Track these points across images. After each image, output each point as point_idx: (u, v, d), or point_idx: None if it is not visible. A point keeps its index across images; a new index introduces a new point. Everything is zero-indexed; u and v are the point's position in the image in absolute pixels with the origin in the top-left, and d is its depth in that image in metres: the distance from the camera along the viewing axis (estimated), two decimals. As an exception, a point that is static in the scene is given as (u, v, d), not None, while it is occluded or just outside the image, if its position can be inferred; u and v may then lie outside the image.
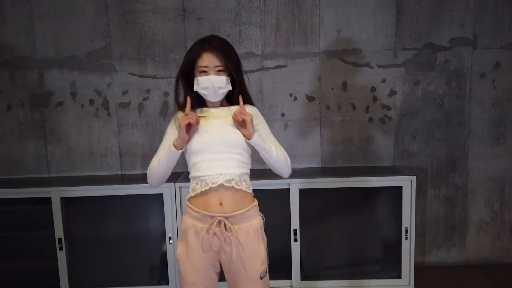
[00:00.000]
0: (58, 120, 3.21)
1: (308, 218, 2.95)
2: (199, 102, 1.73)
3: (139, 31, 3.13)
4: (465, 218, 3.30)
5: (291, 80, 3.19)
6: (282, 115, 3.23)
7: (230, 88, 1.68)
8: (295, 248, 2.94)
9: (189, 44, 3.07)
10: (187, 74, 1.70)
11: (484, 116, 3.20)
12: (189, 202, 1.69)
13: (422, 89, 3.19)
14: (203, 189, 1.62)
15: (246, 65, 3.11)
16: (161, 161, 1.68)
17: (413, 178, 2.86)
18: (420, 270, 3.19)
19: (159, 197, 2.90)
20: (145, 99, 3.21)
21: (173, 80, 3.10)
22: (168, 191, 2.88)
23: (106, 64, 3.16)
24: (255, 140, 1.63)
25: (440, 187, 3.27)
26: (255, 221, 1.70)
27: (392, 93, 3.20)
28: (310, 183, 2.92)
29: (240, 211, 1.63)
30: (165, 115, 3.23)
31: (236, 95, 1.67)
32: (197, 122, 1.62)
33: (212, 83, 1.61)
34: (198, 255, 1.63)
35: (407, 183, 2.87)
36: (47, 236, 2.92)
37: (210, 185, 1.61)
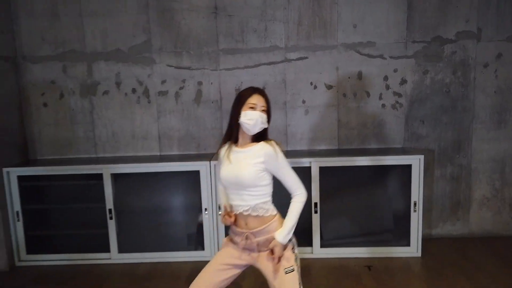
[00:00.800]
0: (105, 107, 3.63)
1: (327, 192, 3.33)
2: (234, 135, 1.99)
3: (176, 27, 3.51)
4: (469, 194, 3.64)
5: (311, 70, 3.55)
6: (303, 102, 3.59)
7: (266, 125, 1.96)
8: (316, 219, 3.32)
9: (221, 38, 3.50)
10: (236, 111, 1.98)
11: (487, 102, 3.52)
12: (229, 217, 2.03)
13: (430, 78, 3.52)
14: (234, 213, 1.99)
15: (271, 57, 3.53)
16: None
17: (421, 157, 3.21)
18: (427, 241, 3.55)
19: (196, 174, 3.31)
20: (181, 88, 3.60)
21: (206, 71, 3.55)
22: (204, 168, 3.28)
23: (146, 57, 3.56)
24: (284, 241, 1.91)
25: (446, 167, 3.62)
26: (272, 234, 1.95)
27: (403, 81, 3.53)
28: (329, 161, 3.28)
29: (260, 228, 1.93)
30: (198, 102, 3.61)
31: (264, 132, 1.97)
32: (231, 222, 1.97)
33: (257, 117, 1.91)
34: (232, 255, 2.02)
35: (416, 162, 3.22)
36: (99, 207, 3.36)
37: (235, 211, 1.97)
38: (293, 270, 1.92)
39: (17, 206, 3.35)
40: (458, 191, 3.64)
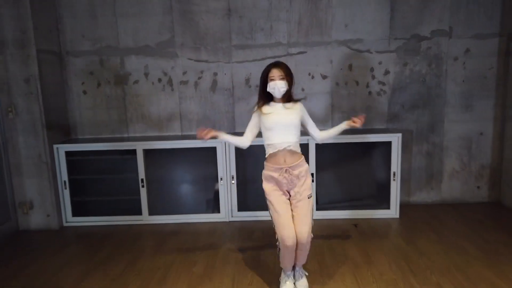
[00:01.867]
0: (135, 94, 4.29)
1: (321, 165, 4.00)
2: (271, 98, 2.68)
3: (195, 26, 4.16)
4: (441, 168, 4.32)
5: (309, 63, 4.20)
6: (303, 89, 4.25)
7: (286, 88, 2.61)
8: (313, 187, 4.00)
9: (233, 36, 4.14)
10: (263, 84, 2.67)
11: (456, 90, 4.18)
12: (266, 161, 2.68)
13: (409, 69, 4.17)
14: (274, 151, 2.61)
15: (275, 51, 4.17)
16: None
17: (399, 135, 3.88)
18: (405, 207, 4.24)
19: (213, 150, 3.98)
20: (199, 78, 4.25)
21: (221, 64, 4.20)
22: (220, 145, 3.96)
23: (170, 51, 4.21)
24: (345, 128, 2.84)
25: (422, 144, 4.29)
26: (304, 166, 2.67)
27: (387, 72, 4.19)
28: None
29: (296, 163, 2.62)
30: (214, 90, 4.27)
31: (289, 93, 2.66)
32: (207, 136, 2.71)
33: (275, 85, 2.58)
34: (279, 192, 2.65)
35: (395, 139, 3.89)
36: (132, 177, 4.04)
37: (278, 148, 2.60)
38: (311, 196, 2.66)
39: (65, 176, 4.03)
40: (432, 165, 4.31)
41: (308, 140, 3.92)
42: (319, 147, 3.93)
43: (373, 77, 4.19)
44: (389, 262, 3.08)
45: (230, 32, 4.16)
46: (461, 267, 2.97)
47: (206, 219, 4.08)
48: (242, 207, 4.05)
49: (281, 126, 2.60)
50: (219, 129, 4.29)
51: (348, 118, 4.21)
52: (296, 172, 2.60)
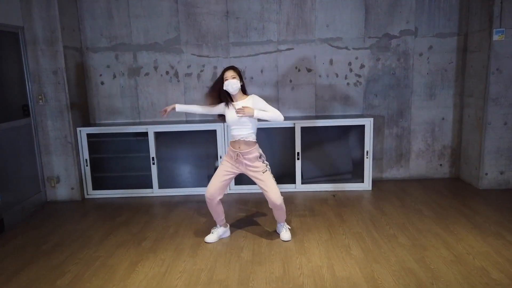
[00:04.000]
0: (146, 84, 4.95)
1: (306, 145, 4.70)
2: (229, 96, 3.32)
3: (198, 26, 4.81)
4: (409, 148, 5.03)
5: (296, 58, 4.87)
6: (290, 81, 4.92)
7: (239, 85, 3.23)
8: (298, 164, 4.69)
9: (231, 35, 4.78)
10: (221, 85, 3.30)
11: (421, 81, 4.87)
12: (230, 144, 3.38)
13: (381, 63, 4.86)
14: (233, 140, 3.32)
15: (267, 48, 4.84)
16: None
17: (371, 119, 4.57)
18: (379, 182, 4.95)
19: (213, 132, 4.66)
20: (202, 71, 4.92)
21: (220, 58, 4.85)
22: (219, 128, 4.64)
23: (176, 48, 4.87)
24: (255, 116, 3.18)
25: (392, 128, 4.99)
26: (254, 154, 3.27)
27: (362, 66, 4.87)
28: (308, 123, 4.64)
29: (247, 150, 3.26)
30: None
31: (242, 89, 3.32)
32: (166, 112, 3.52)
33: (228, 84, 3.21)
34: (228, 164, 3.36)
35: (368, 123, 4.58)
36: (144, 156, 4.72)
37: (235, 138, 3.29)
38: (266, 171, 3.30)
39: (86, 155, 4.70)
40: (401, 146, 5.02)
41: (294, 124, 4.61)
42: (304, 129, 4.62)
43: (351, 70, 4.88)
44: (357, 220, 3.80)
45: (228, 31, 4.82)
46: (415, 223, 3.69)
47: (207, 192, 4.77)
48: (238, 182, 4.74)
49: (235, 123, 3.25)
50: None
51: (329, 106, 4.99)
52: (246, 156, 3.26)
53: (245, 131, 3.28)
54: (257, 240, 3.46)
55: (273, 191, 3.25)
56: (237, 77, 3.25)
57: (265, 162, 3.33)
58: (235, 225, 3.82)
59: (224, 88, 3.24)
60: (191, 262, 3.11)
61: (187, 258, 3.19)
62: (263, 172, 3.29)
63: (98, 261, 3.18)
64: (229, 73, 3.24)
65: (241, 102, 3.27)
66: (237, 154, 3.27)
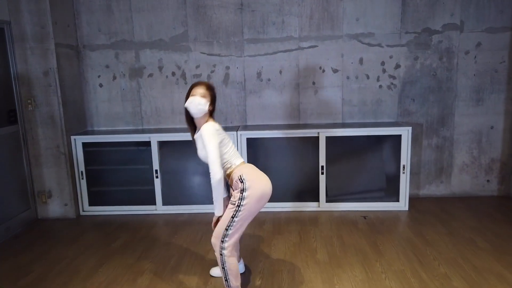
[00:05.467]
0: (149, 87, 4.38)
1: (331, 158, 4.06)
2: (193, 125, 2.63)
3: (208, 21, 4.22)
4: (451, 161, 4.35)
5: (320, 57, 4.24)
6: (313, 83, 4.30)
7: (205, 107, 2.47)
8: (322, 179, 4.07)
9: (245, 30, 4.18)
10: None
11: (467, 84, 4.19)
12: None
13: (420, 63, 4.19)
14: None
15: (286, 45, 4.23)
16: (218, 195, 2.52)
17: (409, 128, 3.91)
18: (415, 200, 4.29)
19: (225, 142, 4.06)
20: (212, 71, 4.33)
21: (233, 57, 4.26)
22: (232, 137, 4.03)
23: (184, 45, 4.29)
24: (218, 214, 2.53)
25: (432, 138, 4.32)
26: (233, 181, 2.52)
27: (397, 66, 4.21)
28: (333, 132, 4.01)
29: (230, 181, 2.56)
30: (226, 84, 4.34)
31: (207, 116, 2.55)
32: None
33: (192, 100, 2.48)
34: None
35: (405, 132, 3.93)
36: (146, 168, 4.15)
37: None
38: (234, 204, 2.45)
39: (82, 167, 4.16)
40: (442, 158, 4.34)
41: (318, 133, 3.98)
42: (329, 139, 3.99)
43: (384, 70, 4.22)
44: (398, 253, 3.15)
45: (242, 26, 4.22)
46: (469, 258, 3.02)
47: (218, 210, 4.17)
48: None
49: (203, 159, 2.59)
50: (231, 122, 4.43)
51: (359, 112, 4.33)
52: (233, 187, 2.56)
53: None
54: (276, 278, 2.84)
55: (218, 227, 2.50)
56: (208, 97, 2.49)
57: (243, 194, 2.43)
58: (249, 255, 3.21)
59: (185, 105, 2.50)
60: (196, 309, 2.52)
61: (191, 302, 2.60)
62: (231, 203, 2.48)
63: (83, 304, 2.62)
64: (199, 90, 2.49)
65: (197, 134, 2.60)
66: (229, 186, 2.69)
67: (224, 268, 2.46)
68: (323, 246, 3.28)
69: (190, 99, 2.47)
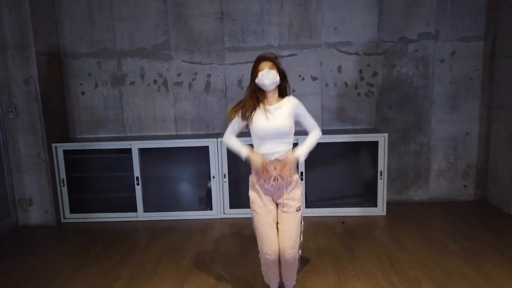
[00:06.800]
0: (131, 94, 4.42)
1: (311, 164, 4.11)
2: (257, 98, 2.40)
3: (189, 29, 4.29)
4: (428, 167, 4.42)
5: (300, 65, 4.32)
6: (293, 91, 4.34)
7: (277, 79, 2.34)
8: (302, 185, 4.11)
9: (226, 39, 4.26)
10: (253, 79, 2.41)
11: (443, 91, 4.28)
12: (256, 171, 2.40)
13: (397, 71, 4.28)
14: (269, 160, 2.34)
15: (267, 54, 4.25)
16: (231, 146, 2.46)
17: (386, 135, 3.99)
18: (393, 205, 4.35)
19: (205, 148, 4.11)
20: (193, 79, 4.39)
21: (214, 65, 4.32)
22: (212, 144, 4.08)
23: (165, 54, 4.34)
24: (301, 158, 2.38)
25: (409, 144, 4.39)
26: (295, 176, 2.43)
27: (375, 74, 4.30)
28: (313, 139, 4.06)
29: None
30: (208, 91, 4.40)
31: (283, 90, 2.44)
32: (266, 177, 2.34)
33: (265, 74, 2.32)
34: (265, 202, 2.42)
35: (382, 139, 4.00)
36: (127, 175, 4.17)
37: (268, 158, 2.34)
38: (300, 209, 2.42)
39: (63, 174, 4.17)
40: (419, 164, 4.42)
41: (297, 140, 4.03)
42: (308, 146, 4.04)
43: (362, 78, 4.31)
44: (371, 257, 3.20)
45: (223, 35, 4.29)
46: (440, 262, 3.08)
47: (198, 216, 4.21)
48: (234, 204, 4.17)
49: (270, 135, 2.34)
50: (213, 129, 4.48)
51: (338, 119, 4.40)
52: (286, 180, 2.38)
53: (284, 146, 2.37)
54: (249, 281, 2.88)
55: (293, 240, 2.36)
56: (276, 68, 2.37)
57: (301, 195, 2.48)
58: (226, 262, 3.24)
59: (257, 81, 2.35)
60: (167, 315, 2.55)
61: (164, 307, 2.62)
62: (297, 210, 2.39)
63: (56, 310, 2.63)
64: (265, 64, 2.35)
65: (278, 104, 2.40)
66: (274, 177, 2.34)
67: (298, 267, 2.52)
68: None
69: (262, 73, 2.34)
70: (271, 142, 2.35)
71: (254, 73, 2.39)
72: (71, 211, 4.25)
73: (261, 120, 2.34)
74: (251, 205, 2.46)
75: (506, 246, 3.32)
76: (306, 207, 4.15)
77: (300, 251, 2.45)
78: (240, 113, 2.41)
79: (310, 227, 3.85)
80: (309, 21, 4.25)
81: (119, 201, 4.28)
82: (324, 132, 4.20)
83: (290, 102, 2.42)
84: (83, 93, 4.42)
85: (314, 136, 2.49)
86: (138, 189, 4.17)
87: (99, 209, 4.28)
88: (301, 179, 4.09)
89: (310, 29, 4.26)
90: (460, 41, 4.19)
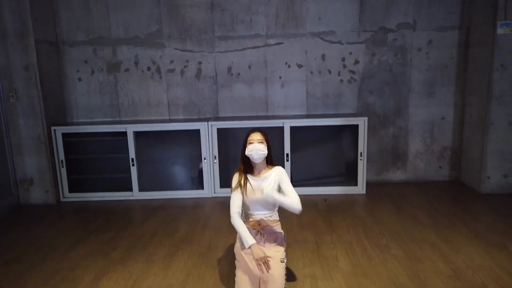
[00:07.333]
0: (126, 81, 4.65)
1: (296, 146, 4.39)
2: (248, 167, 2.60)
3: (181, 19, 4.51)
4: (406, 149, 4.71)
5: (286, 53, 4.56)
6: (280, 77, 4.62)
7: (265, 152, 2.53)
8: (287, 166, 4.39)
9: (216, 28, 4.49)
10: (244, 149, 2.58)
11: (420, 78, 4.56)
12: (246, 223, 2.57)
13: (377, 59, 4.55)
14: (251, 219, 2.59)
15: (254, 42, 4.53)
16: (238, 230, 2.48)
17: (365, 118, 4.26)
18: (374, 185, 4.64)
19: (197, 132, 4.36)
20: (185, 66, 4.62)
21: (205, 53, 4.54)
22: (203, 127, 4.34)
23: (158, 42, 4.57)
24: (268, 191, 2.43)
25: (389, 128, 4.68)
26: (278, 232, 2.60)
27: (356, 62, 4.56)
28: (298, 122, 4.34)
29: (269, 227, 2.58)
30: (199, 78, 4.64)
31: (270, 160, 2.62)
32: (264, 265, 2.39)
33: (254, 147, 2.51)
34: (247, 253, 2.48)
35: (362, 122, 4.28)
36: (123, 157, 4.42)
37: (255, 218, 2.57)
38: (284, 261, 2.52)
39: (62, 156, 4.41)
40: (398, 147, 4.71)
41: (283, 123, 4.31)
42: (294, 129, 4.32)
43: (344, 66, 4.57)
44: (348, 228, 3.49)
45: (213, 24, 4.52)
46: (410, 232, 3.38)
47: (191, 195, 4.48)
48: (224, 184, 4.44)
49: (258, 202, 2.56)
50: (204, 114, 4.73)
51: (322, 104, 4.67)
52: (269, 235, 2.58)
53: (269, 209, 2.60)
54: (237, 250, 3.16)
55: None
56: (264, 142, 2.57)
57: (285, 252, 2.60)
58: (215, 233, 3.52)
59: (247, 153, 2.56)
60: (161, 276, 2.81)
61: (158, 271, 2.89)
62: (281, 261, 2.50)
63: (60, 273, 2.89)
64: (256, 136, 2.57)
65: (262, 177, 2.59)
66: (257, 231, 2.57)
67: None
68: (282, 225, 3.59)
69: (250, 147, 2.55)
70: (258, 207, 2.57)
71: (245, 144, 2.59)
72: (70, 191, 4.50)
73: (250, 191, 2.55)
74: (236, 257, 2.60)
75: (471, 219, 3.63)
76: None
77: None
78: (239, 190, 2.57)
79: (294, 204, 4.13)
80: (295, 11, 4.48)
81: (115, 181, 4.53)
82: (309, 116, 4.54)
83: (276, 172, 2.59)
84: (80, 80, 4.64)
85: (291, 200, 2.50)
86: (134, 170, 4.42)
87: (97, 188, 4.52)
88: (287, 160, 4.36)
89: (296, 19, 4.50)
90: (436, 31, 4.45)
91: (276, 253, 2.50)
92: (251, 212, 2.60)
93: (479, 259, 2.89)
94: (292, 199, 2.49)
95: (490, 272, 2.70)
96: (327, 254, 3.05)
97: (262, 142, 2.55)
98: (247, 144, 2.57)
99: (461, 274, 2.69)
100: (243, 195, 2.56)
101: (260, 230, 2.57)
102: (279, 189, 2.58)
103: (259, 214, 2.58)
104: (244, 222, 2.55)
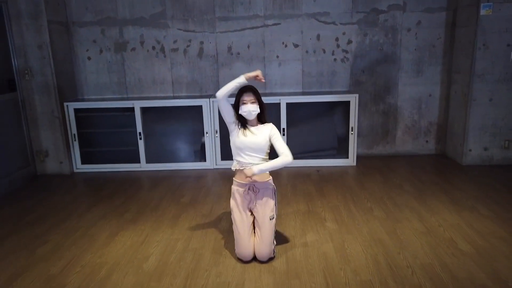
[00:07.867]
0: (132, 60, 4.94)
1: (292, 121, 4.71)
2: (243, 121, 2.75)
3: (184, 0, 4.76)
4: (395, 124, 5.03)
5: (283, 33, 4.83)
6: (277, 57, 4.90)
7: (258, 111, 2.71)
8: (284, 139, 4.71)
9: (217, 9, 4.75)
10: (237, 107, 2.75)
11: (409, 57, 4.83)
12: (234, 176, 2.80)
13: (369, 39, 4.81)
14: (241, 168, 2.72)
15: (253, 23, 4.79)
16: (226, 87, 2.69)
17: (356, 95, 4.56)
18: (364, 158, 4.98)
19: (199, 108, 4.68)
20: (188, 46, 4.90)
21: (206, 33, 4.81)
22: (205, 104, 4.65)
23: (162, 22, 4.83)
24: (255, 171, 2.58)
25: (379, 104, 4.98)
26: (269, 187, 2.75)
27: (349, 42, 4.83)
28: (293, 99, 4.65)
29: (261, 181, 2.71)
30: (201, 57, 4.92)
31: (261, 116, 2.78)
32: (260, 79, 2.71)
33: (247, 109, 2.68)
34: (240, 206, 2.77)
35: (353, 99, 4.58)
36: (132, 131, 4.75)
37: (244, 166, 2.69)
38: (273, 218, 2.75)
39: (74, 130, 4.75)
40: (388, 122, 5.02)
41: (280, 99, 4.61)
42: (290, 106, 4.63)
43: (338, 46, 4.84)
44: (337, 195, 3.85)
45: (214, 6, 4.78)
46: (393, 198, 3.73)
47: (194, 167, 4.83)
48: (224, 156, 4.78)
49: (246, 147, 2.70)
50: (206, 91, 5.03)
51: (317, 82, 4.97)
52: (260, 190, 2.73)
53: (257, 160, 2.73)
54: (236, 213, 3.53)
55: (268, 245, 2.70)
56: (257, 102, 2.73)
57: (276, 205, 2.83)
58: (216, 199, 3.89)
59: (240, 112, 2.73)
60: (169, 232, 3.19)
61: (166, 228, 3.26)
62: (271, 219, 2.74)
63: (79, 231, 3.27)
64: (248, 97, 2.70)
65: (256, 128, 2.77)
66: (249, 187, 2.72)
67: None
68: (278, 192, 3.96)
69: (243, 107, 2.70)
70: (247, 154, 2.73)
71: (237, 102, 2.74)
72: (82, 163, 4.85)
73: (241, 135, 2.73)
74: (231, 212, 2.82)
75: (451, 187, 3.97)
76: (287, 158, 4.76)
77: (274, 252, 2.76)
78: (235, 119, 2.78)
79: (289, 175, 4.49)
80: (292, -7, 4.74)
81: (124, 154, 4.88)
82: (304, 93, 4.84)
83: (267, 127, 2.78)
84: (89, 59, 4.93)
85: (279, 159, 2.65)
86: (141, 143, 4.76)
87: (107, 160, 4.88)
88: (283, 135, 4.69)
89: (292, 0, 4.75)
90: (425, 12, 4.70)
91: (265, 211, 2.72)
92: (243, 155, 2.72)
93: (451, 219, 3.25)
94: (282, 155, 2.66)
95: (458, 229, 3.06)
96: (316, 215, 3.41)
97: (254, 102, 2.70)
98: (240, 103, 2.71)
99: (433, 231, 3.05)
100: (233, 136, 2.75)
101: (252, 185, 2.71)
102: (271, 148, 2.76)
103: (247, 163, 2.70)
104: (236, 174, 2.78)
